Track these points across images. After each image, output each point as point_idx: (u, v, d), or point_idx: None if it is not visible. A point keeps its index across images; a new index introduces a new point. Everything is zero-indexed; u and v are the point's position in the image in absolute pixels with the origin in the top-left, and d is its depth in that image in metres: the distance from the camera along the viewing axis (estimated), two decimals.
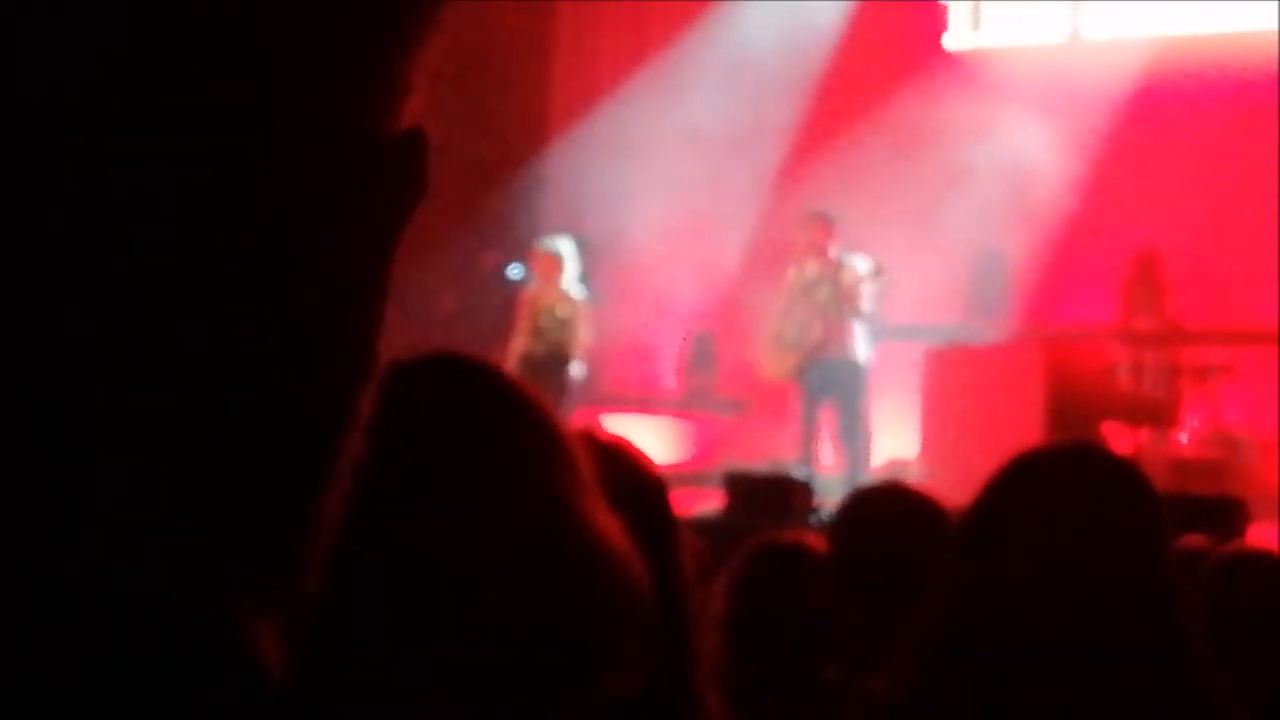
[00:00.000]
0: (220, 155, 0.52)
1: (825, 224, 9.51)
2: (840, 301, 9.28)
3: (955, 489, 2.64)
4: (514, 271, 10.17)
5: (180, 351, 0.52)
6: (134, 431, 0.52)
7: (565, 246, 9.85)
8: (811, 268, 9.46)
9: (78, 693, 0.50)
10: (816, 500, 7.66)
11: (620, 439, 1.67)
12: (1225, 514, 6.47)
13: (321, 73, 0.54)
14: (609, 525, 1.22)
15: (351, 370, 0.57)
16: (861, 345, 9.43)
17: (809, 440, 9.43)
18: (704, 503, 7.96)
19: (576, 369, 9.77)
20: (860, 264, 9.43)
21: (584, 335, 9.71)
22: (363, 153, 0.55)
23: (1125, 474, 1.96)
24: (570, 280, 9.81)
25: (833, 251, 9.47)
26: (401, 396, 1.19)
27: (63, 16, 0.50)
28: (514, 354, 9.56)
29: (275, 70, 0.53)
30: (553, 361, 9.59)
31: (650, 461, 1.67)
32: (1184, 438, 10.05)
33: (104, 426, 0.51)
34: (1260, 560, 3.12)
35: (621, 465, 1.53)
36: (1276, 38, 11.13)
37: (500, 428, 1.22)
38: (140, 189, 0.51)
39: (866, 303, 9.38)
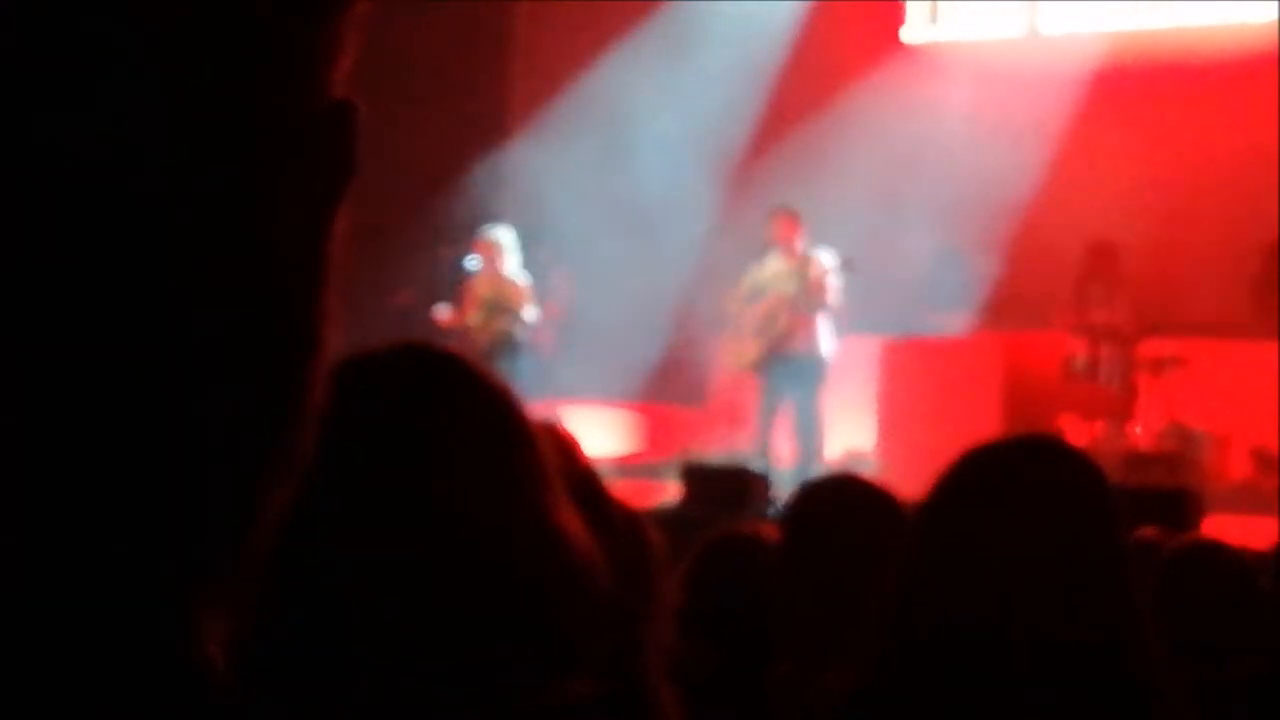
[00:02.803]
0: (150, 132, 0.50)
1: (790, 218, 9.53)
2: (806, 295, 9.30)
3: (911, 481, 2.64)
4: (471, 264, 10.24)
5: (118, 335, 0.50)
6: (70, 420, 0.50)
7: (505, 234, 10.07)
8: (776, 261, 9.48)
9: (18, 695, 0.49)
10: (773, 492, 7.68)
11: (562, 429, 1.65)
12: (1180, 506, 6.53)
13: (248, 45, 0.52)
14: (571, 520, 1.20)
15: (297, 349, 0.55)
16: (825, 339, 9.45)
17: (765, 433, 9.45)
18: (660, 494, 7.97)
19: (525, 351, 9.96)
20: (826, 258, 9.45)
21: (528, 317, 9.96)
22: (292, 125, 0.54)
23: (1080, 466, 1.96)
24: (512, 266, 10.02)
25: (798, 245, 9.50)
26: (365, 387, 1.16)
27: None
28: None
29: (203, 43, 0.51)
30: (496, 347, 9.70)
31: (583, 452, 1.65)
32: (1139, 430, 10.12)
33: (39, 416, 0.50)
34: (1214, 551, 3.14)
35: (574, 458, 1.52)
36: (1232, 32, 11.24)
37: (464, 419, 1.19)
38: (73, 166, 0.49)
39: (832, 296, 9.41)
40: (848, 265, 9.35)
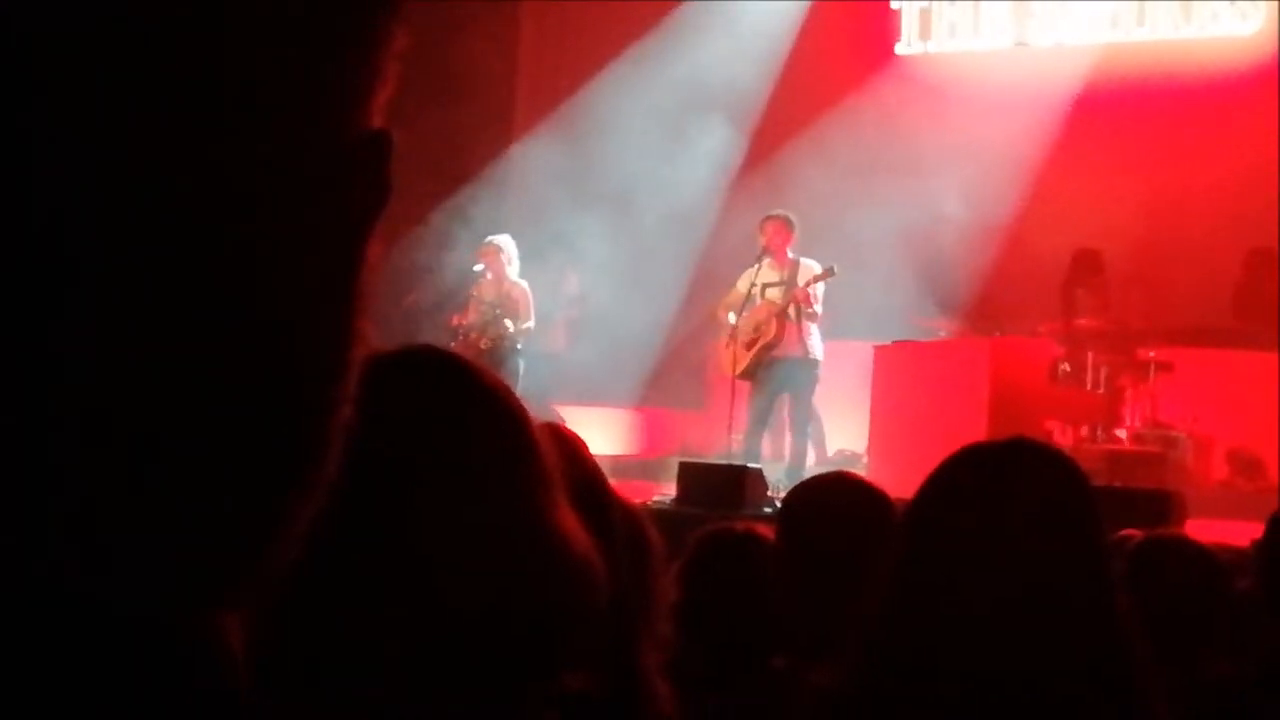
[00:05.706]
0: (190, 153, 0.51)
1: (782, 225, 9.55)
2: (796, 302, 9.34)
3: (901, 480, 2.69)
4: (476, 269, 10.29)
5: (149, 351, 0.51)
6: (101, 428, 0.50)
7: (508, 241, 10.13)
8: (766, 268, 9.51)
9: (39, 696, 0.50)
10: (767, 491, 7.69)
11: (567, 430, 1.67)
12: (1161, 507, 6.57)
13: (290, 73, 0.53)
14: (570, 522, 1.20)
15: (325, 370, 0.56)
16: (816, 343, 9.50)
17: (756, 436, 9.48)
18: (654, 493, 8.01)
19: (522, 357, 10.03)
20: (815, 265, 9.50)
21: (526, 321, 9.99)
22: (330, 153, 0.54)
23: (1063, 467, 1.99)
24: (514, 273, 10.16)
25: (789, 253, 9.54)
26: (367, 388, 1.20)
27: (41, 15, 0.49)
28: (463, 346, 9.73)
29: (246, 70, 0.52)
30: (497, 351, 9.79)
31: (589, 451, 1.67)
32: (1123, 434, 10.18)
33: (67, 424, 0.50)
34: (1178, 545, 3.10)
35: (577, 457, 1.54)
36: (1218, 44, 11.31)
37: (466, 422, 1.19)
38: (109, 185, 0.50)
39: (817, 305, 9.46)
40: (829, 273, 9.40)
